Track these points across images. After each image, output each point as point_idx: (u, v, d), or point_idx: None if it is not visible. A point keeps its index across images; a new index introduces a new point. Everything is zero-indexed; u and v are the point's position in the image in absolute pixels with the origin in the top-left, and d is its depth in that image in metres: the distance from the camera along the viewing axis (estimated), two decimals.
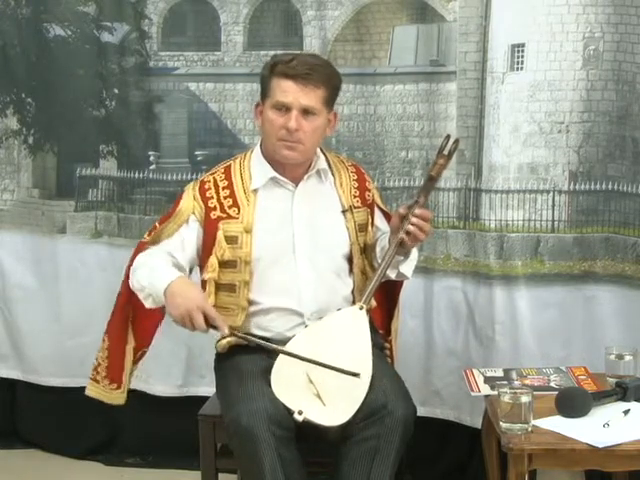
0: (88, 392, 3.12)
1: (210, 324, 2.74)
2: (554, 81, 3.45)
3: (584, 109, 3.44)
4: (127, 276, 2.96)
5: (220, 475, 3.01)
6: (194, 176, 3.82)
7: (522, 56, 3.47)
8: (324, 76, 2.83)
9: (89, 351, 3.97)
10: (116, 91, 3.93)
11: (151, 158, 3.95)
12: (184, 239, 2.92)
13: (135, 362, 3.10)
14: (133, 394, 3.83)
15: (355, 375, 2.70)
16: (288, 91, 2.80)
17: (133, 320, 3.05)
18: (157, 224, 2.99)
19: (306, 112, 2.82)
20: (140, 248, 2.98)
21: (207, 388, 3.36)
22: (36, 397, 4.13)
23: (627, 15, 3.36)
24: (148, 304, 2.86)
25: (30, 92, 3.99)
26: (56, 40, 3.93)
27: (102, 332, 3.95)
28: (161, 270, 2.83)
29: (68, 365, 4.03)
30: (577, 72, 3.43)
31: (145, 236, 3.01)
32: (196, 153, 3.93)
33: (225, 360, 2.93)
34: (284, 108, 2.82)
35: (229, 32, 3.84)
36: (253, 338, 2.82)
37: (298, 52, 2.96)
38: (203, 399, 3.14)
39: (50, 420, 4.11)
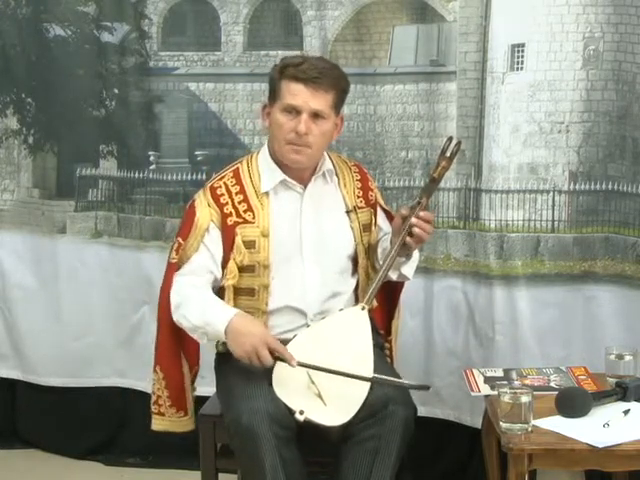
0: (156, 427, 3.05)
1: (276, 357, 2.72)
2: (554, 81, 3.45)
3: (584, 109, 3.44)
4: (164, 300, 2.93)
5: (220, 475, 3.01)
6: (194, 176, 3.82)
7: (522, 56, 3.47)
8: (333, 80, 2.83)
9: (89, 351, 4.00)
10: (116, 91, 3.93)
11: (151, 158, 3.94)
12: (210, 250, 2.90)
13: (192, 382, 3.07)
14: (133, 394, 3.86)
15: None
16: (298, 94, 2.80)
17: (182, 344, 3.00)
18: (181, 240, 2.93)
19: (315, 116, 2.82)
20: (171, 269, 2.94)
21: (207, 388, 3.35)
22: (36, 397, 4.13)
23: (627, 15, 3.36)
24: (203, 342, 2.87)
25: (30, 92, 3.99)
26: (56, 40, 3.93)
27: (103, 332, 3.98)
28: (214, 308, 2.81)
29: (68, 365, 4.03)
30: (577, 72, 3.43)
31: (173, 256, 2.95)
32: (196, 153, 3.93)
33: (225, 360, 2.92)
34: (294, 111, 2.81)
35: (229, 32, 3.84)
36: (321, 366, 2.73)
37: (305, 55, 2.95)
38: (203, 399, 3.14)
39: (50, 420, 4.11)
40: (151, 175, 3.93)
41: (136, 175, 3.94)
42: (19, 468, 3.98)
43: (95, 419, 4.03)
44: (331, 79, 2.82)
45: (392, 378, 2.75)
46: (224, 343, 2.91)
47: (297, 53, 3.51)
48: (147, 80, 3.90)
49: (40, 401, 4.13)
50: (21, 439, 4.18)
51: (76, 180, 4.03)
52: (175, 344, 2.99)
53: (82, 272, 4.00)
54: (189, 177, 3.85)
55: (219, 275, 2.91)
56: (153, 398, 3.05)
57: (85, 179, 4.02)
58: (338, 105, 2.87)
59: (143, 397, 3.87)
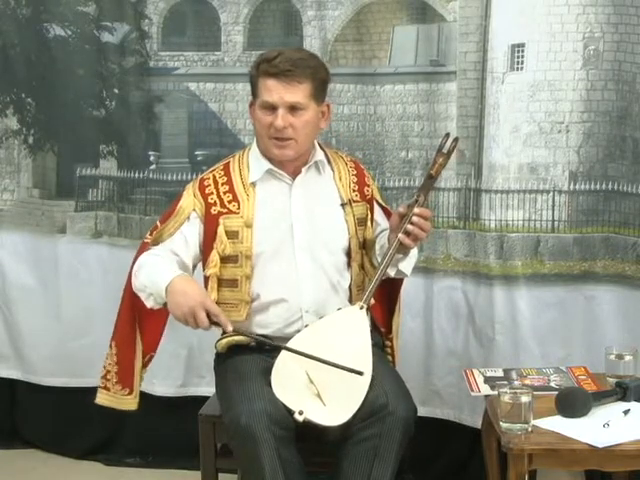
0: (99, 400, 3.10)
1: (213, 321, 2.74)
2: (554, 81, 3.45)
3: (584, 109, 3.44)
4: (130, 279, 2.95)
5: (220, 475, 3.01)
6: (194, 176, 3.81)
7: (522, 56, 3.47)
8: (307, 70, 2.83)
9: (89, 351, 4.00)
10: (116, 91, 3.93)
11: (151, 158, 3.94)
12: (186, 236, 2.93)
13: (144, 366, 3.08)
14: None
15: (359, 373, 2.70)
16: (272, 90, 2.81)
17: (139, 324, 3.03)
18: (158, 223, 2.99)
19: (293, 108, 2.83)
20: (142, 248, 2.98)
21: (207, 388, 3.36)
22: (36, 397, 4.13)
23: (627, 15, 3.36)
24: (149, 304, 2.85)
25: (30, 92, 3.99)
26: (56, 40, 3.93)
27: (102, 332, 3.95)
28: (162, 269, 2.82)
29: (68, 365, 4.03)
30: (577, 72, 3.43)
31: (147, 235, 3.01)
32: (196, 153, 3.93)
33: (225, 360, 2.93)
34: (271, 107, 2.83)
35: (229, 32, 3.84)
36: (255, 336, 2.82)
37: (284, 48, 2.96)
38: (203, 399, 3.14)
39: (50, 420, 4.11)
40: (151, 175, 3.94)
41: (136, 175, 3.94)
42: (19, 468, 3.98)
43: (95, 419, 4.02)
44: (304, 69, 2.82)
45: (333, 363, 2.71)
46: (221, 342, 2.92)
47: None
48: (147, 80, 3.90)
49: (40, 401, 4.13)
50: (21, 439, 4.18)
51: (76, 180, 4.03)
52: (133, 323, 3.02)
53: (82, 272, 4.00)
54: (189, 177, 3.84)
55: (188, 262, 2.93)
56: (103, 372, 3.08)
57: (85, 179, 4.02)
58: (317, 94, 2.87)
59: (143, 397, 3.87)
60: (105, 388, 3.08)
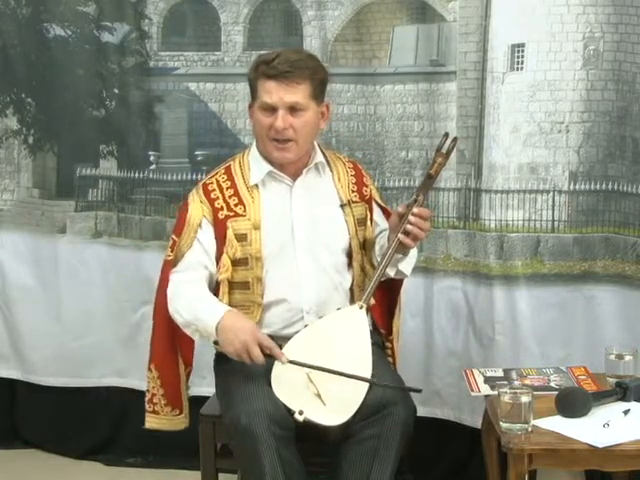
0: (149, 425, 3.07)
1: (266, 354, 2.72)
2: (554, 81, 3.45)
3: (584, 109, 3.44)
4: (160, 298, 2.94)
5: (220, 475, 3.01)
6: (194, 176, 3.82)
7: (522, 56, 3.47)
8: (307, 71, 2.84)
9: (89, 351, 4.00)
10: (116, 91, 3.93)
11: (151, 158, 3.94)
12: (204, 244, 2.92)
13: (186, 381, 3.07)
14: (133, 394, 3.85)
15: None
16: (272, 91, 2.82)
17: (179, 343, 3.01)
18: (175, 237, 2.96)
19: (293, 109, 2.83)
20: (166, 267, 2.96)
21: (207, 388, 3.35)
22: (36, 397, 4.13)
23: (627, 15, 3.36)
24: (195, 338, 2.87)
25: (30, 92, 3.99)
26: (56, 40, 3.93)
27: (102, 332, 3.99)
28: (206, 304, 2.82)
29: (68, 365, 4.03)
30: (577, 72, 3.43)
31: (168, 253, 2.98)
32: (196, 153, 3.93)
33: (225, 360, 2.92)
34: (271, 108, 2.83)
35: (229, 32, 3.84)
36: (311, 364, 2.73)
37: (282, 49, 2.96)
38: (203, 399, 3.14)
39: (50, 420, 4.11)
40: (151, 175, 3.94)
41: (136, 175, 3.94)
42: (19, 468, 3.98)
43: (95, 419, 4.03)
44: (303, 70, 2.83)
45: (385, 383, 2.74)
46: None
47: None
48: (147, 80, 3.90)
49: (40, 401, 4.13)
50: (21, 439, 4.18)
51: (76, 180, 4.03)
52: (171, 343, 3.01)
53: (82, 272, 4.00)
54: (189, 177, 3.85)
55: (214, 270, 2.92)
56: (147, 396, 3.06)
57: (85, 179, 4.02)
58: (317, 95, 2.87)
59: (143, 397, 3.86)
60: (154, 412, 3.06)
